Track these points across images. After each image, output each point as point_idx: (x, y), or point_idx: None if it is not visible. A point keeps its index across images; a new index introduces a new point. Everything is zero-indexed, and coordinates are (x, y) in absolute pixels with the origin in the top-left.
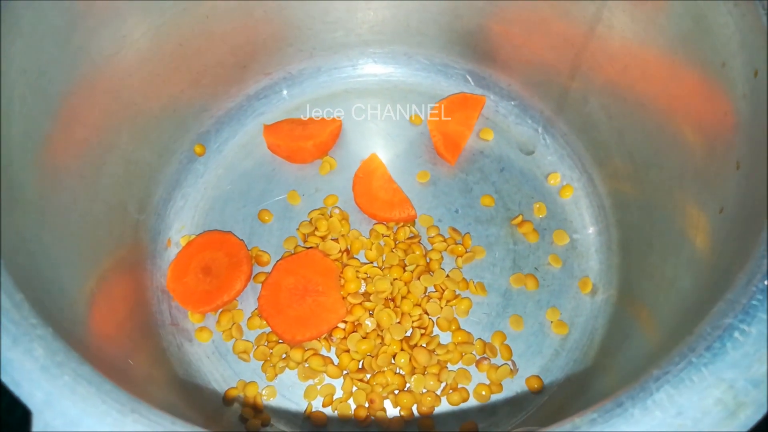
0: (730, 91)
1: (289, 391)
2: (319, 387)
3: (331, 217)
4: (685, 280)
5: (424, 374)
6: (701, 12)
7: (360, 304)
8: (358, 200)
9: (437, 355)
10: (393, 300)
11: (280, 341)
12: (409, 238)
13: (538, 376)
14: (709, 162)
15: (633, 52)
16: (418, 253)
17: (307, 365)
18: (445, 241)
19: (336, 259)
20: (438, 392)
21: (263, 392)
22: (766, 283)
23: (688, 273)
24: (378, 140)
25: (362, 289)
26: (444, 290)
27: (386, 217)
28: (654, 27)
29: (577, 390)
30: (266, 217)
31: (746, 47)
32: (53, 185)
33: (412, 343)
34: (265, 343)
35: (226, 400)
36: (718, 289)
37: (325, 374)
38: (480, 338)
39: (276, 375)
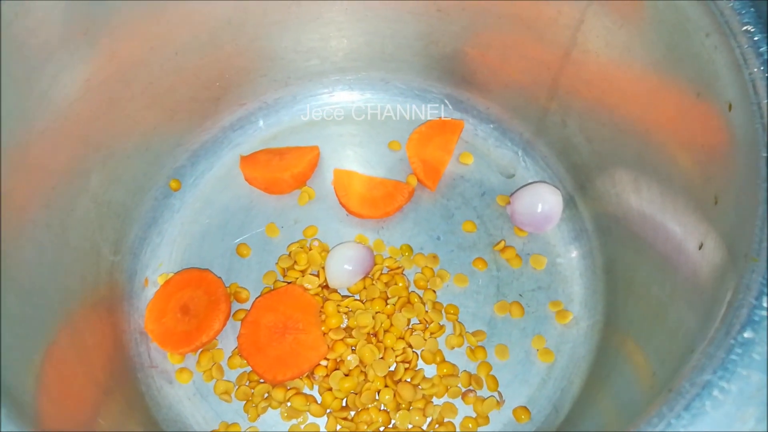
0: (706, 122)
1: None
2: (302, 426)
3: (310, 249)
4: (671, 312)
5: (409, 410)
6: (674, 41)
7: (342, 340)
8: (353, 209)
9: (422, 389)
10: (375, 335)
11: (262, 381)
12: (391, 270)
13: (525, 407)
14: (688, 193)
15: (609, 77)
16: (400, 284)
17: (289, 405)
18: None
19: (316, 294)
20: (424, 427)
21: None
22: (745, 335)
23: (673, 305)
24: (357, 167)
25: (344, 324)
26: (428, 322)
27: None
28: (629, 53)
29: (566, 422)
30: (245, 252)
31: (720, 80)
32: (17, 241)
33: (396, 378)
34: (247, 383)
35: None
36: (706, 327)
37: (308, 413)
38: (465, 370)
39: (258, 415)
